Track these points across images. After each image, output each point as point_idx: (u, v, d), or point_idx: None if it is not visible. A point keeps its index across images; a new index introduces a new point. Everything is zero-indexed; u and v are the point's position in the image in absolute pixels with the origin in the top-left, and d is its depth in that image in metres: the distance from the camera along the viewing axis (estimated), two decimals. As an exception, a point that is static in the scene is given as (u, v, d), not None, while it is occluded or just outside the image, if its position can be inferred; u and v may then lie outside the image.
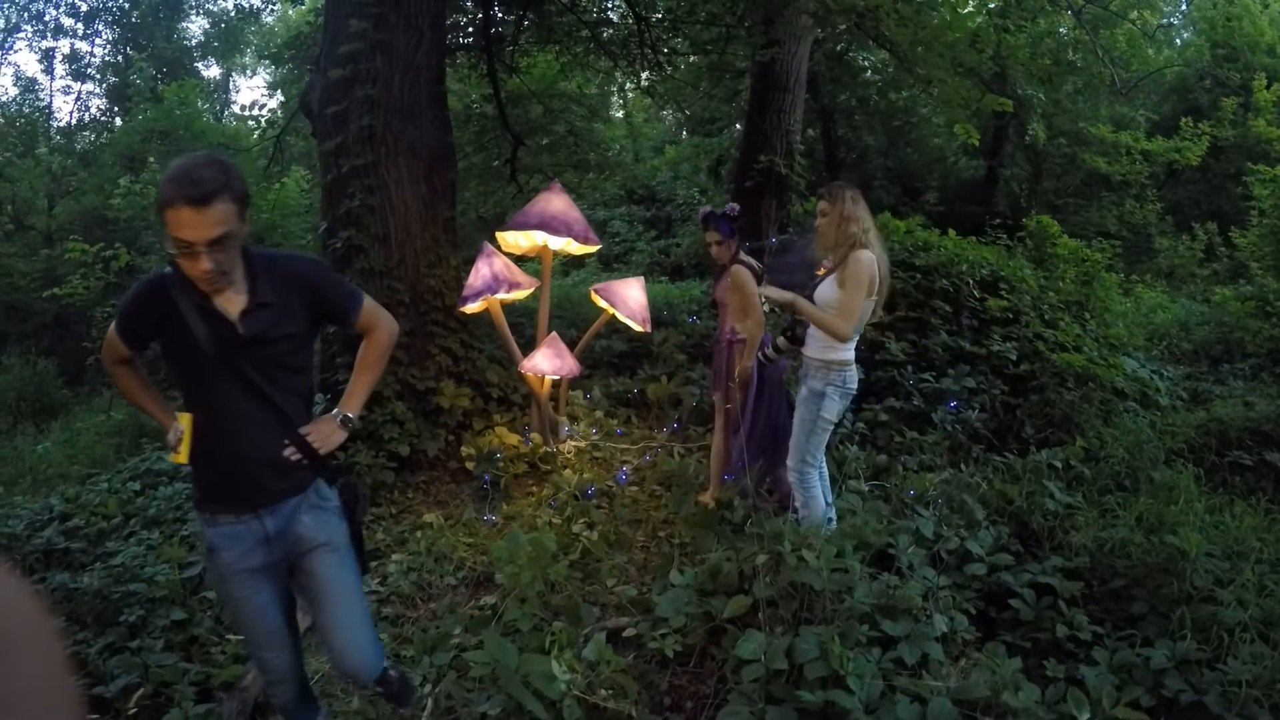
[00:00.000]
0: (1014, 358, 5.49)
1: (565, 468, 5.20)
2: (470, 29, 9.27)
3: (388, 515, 4.89)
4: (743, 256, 4.22)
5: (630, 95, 21.74)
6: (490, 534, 4.53)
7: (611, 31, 8.49)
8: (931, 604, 2.65)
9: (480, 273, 5.13)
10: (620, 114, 22.95)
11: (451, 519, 4.77)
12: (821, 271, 3.51)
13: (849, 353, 3.39)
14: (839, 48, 13.28)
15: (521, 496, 4.96)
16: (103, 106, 15.65)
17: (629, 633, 3.03)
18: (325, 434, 2.16)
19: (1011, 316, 5.90)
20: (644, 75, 9.35)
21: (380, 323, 2.29)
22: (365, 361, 2.31)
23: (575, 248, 5.43)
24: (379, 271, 5.43)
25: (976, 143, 9.38)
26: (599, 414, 6.09)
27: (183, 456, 2.07)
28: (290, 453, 2.10)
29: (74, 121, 15.00)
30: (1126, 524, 3.02)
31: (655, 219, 17.03)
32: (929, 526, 3.11)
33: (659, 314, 7.47)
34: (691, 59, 9.78)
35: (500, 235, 5.50)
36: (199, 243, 1.88)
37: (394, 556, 4.31)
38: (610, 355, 7.21)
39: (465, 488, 5.20)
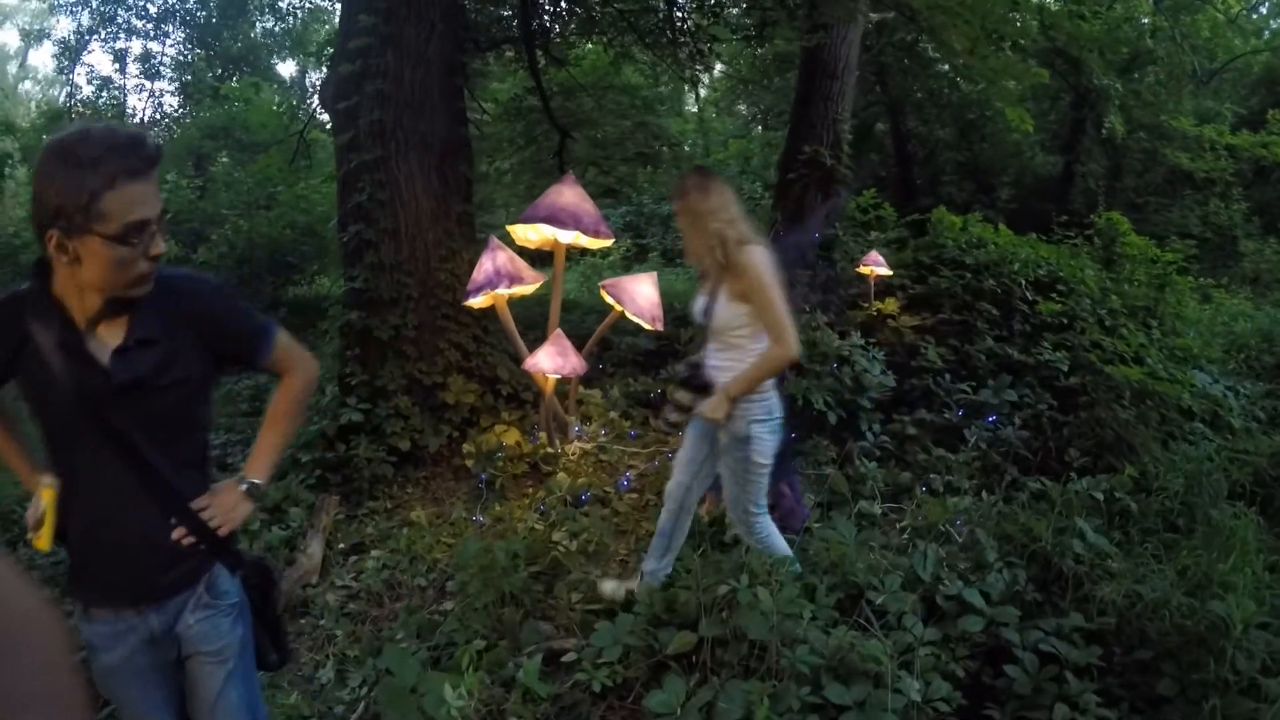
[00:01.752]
0: (1065, 369, 4.94)
1: (565, 470, 4.93)
2: (514, 21, 9.09)
3: (381, 510, 4.75)
4: None
5: (703, 89, 21.46)
6: (475, 535, 4.32)
7: (647, 20, 8.14)
8: (914, 662, 2.26)
9: (483, 267, 4.92)
10: (693, 108, 22.66)
11: (441, 517, 4.60)
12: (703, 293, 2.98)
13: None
14: (910, 38, 12.65)
15: (517, 498, 4.74)
16: (174, 104, 16.22)
17: (569, 658, 2.73)
18: (227, 508, 1.73)
19: (1065, 322, 5.34)
20: (686, 64, 8.97)
21: (297, 363, 1.86)
22: (278, 412, 1.86)
23: (585, 241, 5.17)
24: (389, 265, 5.34)
25: (1030, 129, 8.69)
26: (613, 414, 5.80)
27: (44, 542, 1.62)
28: (180, 535, 1.66)
29: (146, 119, 15.54)
30: (1167, 578, 2.52)
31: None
32: (927, 565, 2.68)
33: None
34: (736, 46, 9.37)
35: (511, 229, 5.28)
36: (155, 219, 1.52)
37: (373, 552, 4.21)
38: (635, 353, 6.91)
39: (464, 486, 5.02)
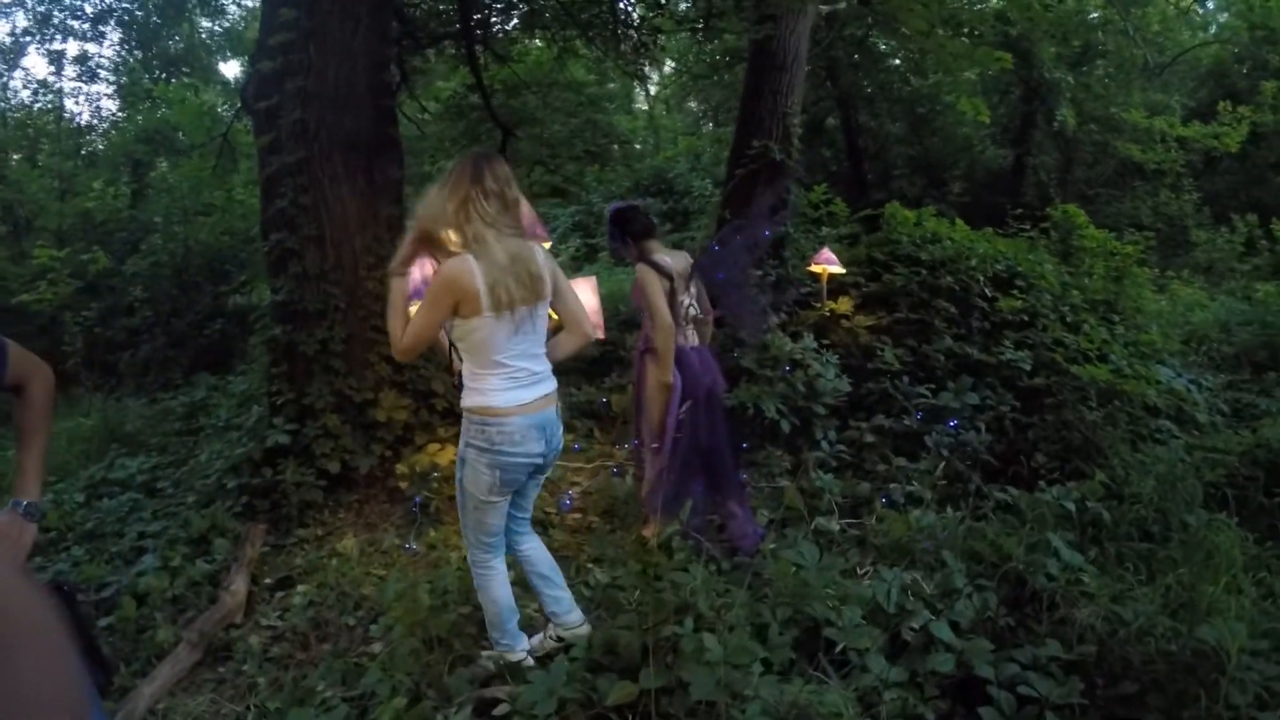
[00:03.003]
0: (1028, 368, 4.77)
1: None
2: (453, 17, 8.75)
3: (311, 539, 4.42)
4: (653, 256, 3.59)
5: (653, 86, 21.25)
6: (409, 564, 4.01)
7: (590, 12, 7.86)
8: (879, 707, 2.01)
9: (411, 277, 4.59)
10: (643, 105, 22.45)
11: (374, 545, 4.28)
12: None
13: (491, 395, 2.50)
14: (860, 33, 12.57)
15: (452, 522, 4.41)
16: (112, 108, 15.64)
17: (501, 709, 2.43)
18: (14, 537, 1.69)
19: (1027, 319, 5.18)
20: (631, 58, 8.70)
21: (36, 372, 1.82)
22: (31, 425, 1.81)
23: (522, 244, 4.86)
24: (314, 275, 4.97)
25: (986, 119, 8.61)
26: (557, 428, 5.50)
27: None
28: None
29: (83, 123, 14.98)
30: (1149, 599, 2.31)
31: (672, 212, 16.45)
32: (890, 595, 2.44)
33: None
34: (685, 42, 9.15)
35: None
36: None
37: (299, 588, 3.89)
38: (579, 361, 6.60)
39: (399, 509, 4.70)
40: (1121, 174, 14.37)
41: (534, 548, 2.94)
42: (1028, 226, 7.07)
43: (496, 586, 2.75)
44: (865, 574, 2.89)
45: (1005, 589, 2.65)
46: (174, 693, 3.18)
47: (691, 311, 3.61)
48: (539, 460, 2.61)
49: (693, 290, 3.64)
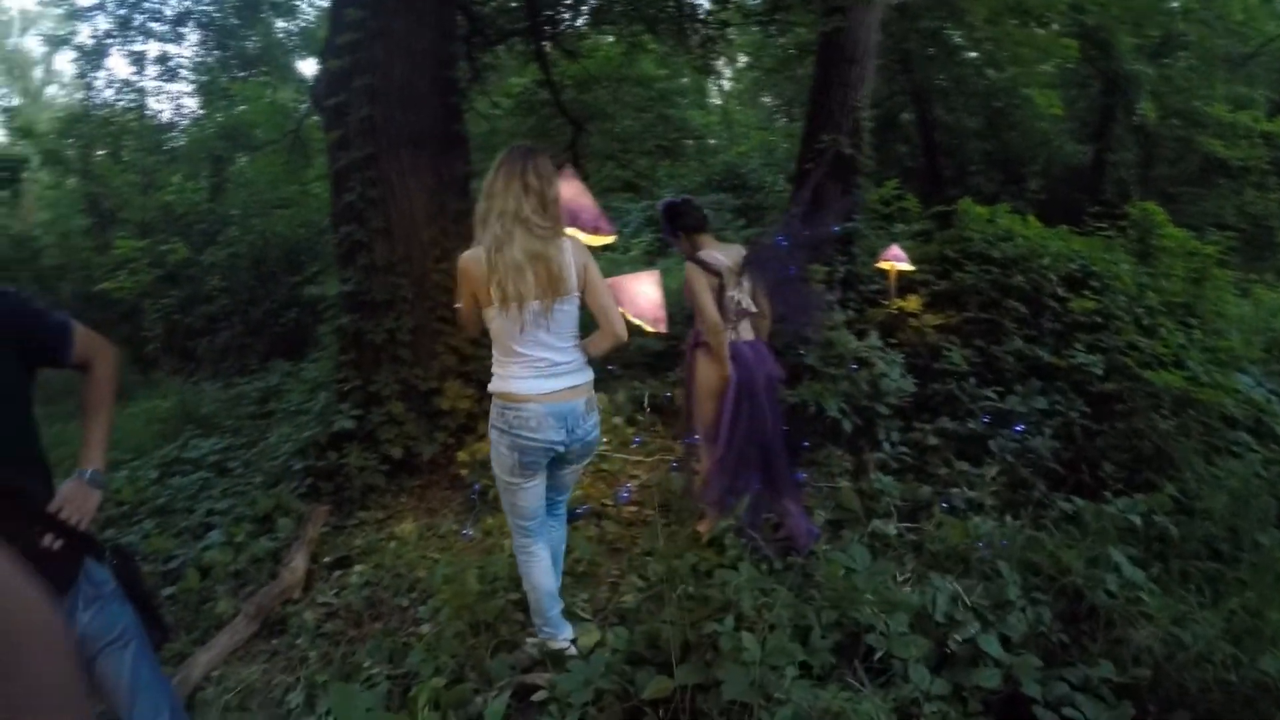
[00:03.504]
0: (1100, 372, 4.57)
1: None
2: (521, 13, 8.86)
3: (372, 521, 4.55)
4: (702, 252, 3.60)
5: (726, 81, 21.04)
6: (464, 549, 4.10)
7: (656, 6, 7.83)
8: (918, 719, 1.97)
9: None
10: (716, 100, 22.25)
11: (432, 530, 4.39)
12: None
13: (511, 382, 2.60)
14: (935, 25, 12.21)
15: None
16: (193, 105, 16.42)
17: (539, 696, 2.48)
18: (79, 504, 1.80)
19: (1100, 321, 4.96)
20: (698, 52, 8.64)
21: (101, 351, 1.93)
22: (96, 400, 1.93)
23: (583, 237, 4.90)
24: (382, 267, 5.13)
25: (1059, 112, 8.24)
26: (617, 420, 5.55)
27: None
28: (50, 541, 1.74)
29: (164, 121, 15.75)
30: (1211, 623, 2.20)
31: (745, 207, 16.30)
32: (941, 603, 2.39)
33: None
34: (759, 36, 9.02)
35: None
36: None
37: (357, 567, 4.01)
38: (645, 355, 6.64)
39: (459, 496, 4.80)
40: (1204, 171, 13.56)
41: (552, 533, 3.03)
42: (1105, 225, 6.76)
43: (537, 573, 2.82)
44: (908, 580, 2.82)
45: (1062, 603, 2.56)
46: (229, 661, 3.33)
47: (743, 306, 3.59)
48: (559, 448, 2.66)
49: (745, 285, 3.62)
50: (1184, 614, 2.29)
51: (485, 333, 3.17)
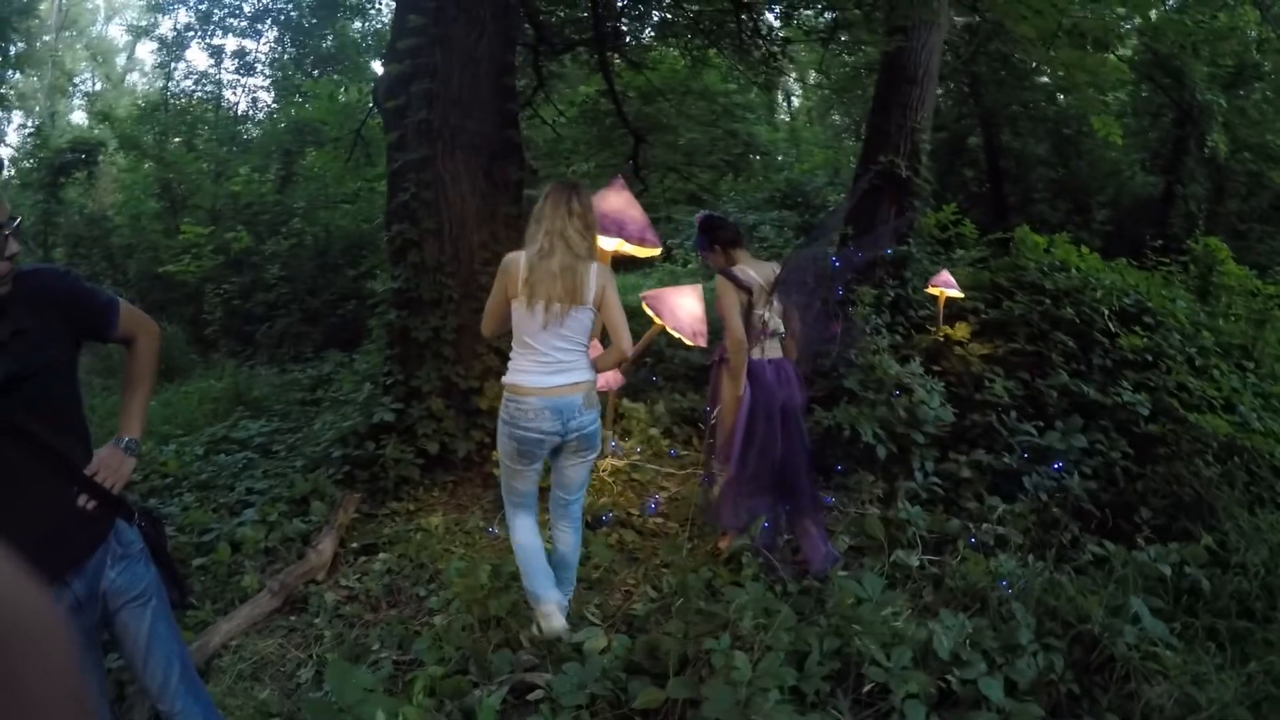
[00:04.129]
0: (1146, 413, 4.42)
1: (592, 487, 4.73)
2: (587, 24, 8.99)
3: (402, 512, 4.66)
4: (735, 268, 3.63)
5: (795, 98, 20.95)
6: (486, 546, 4.18)
7: (718, 21, 7.86)
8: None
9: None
10: (785, 116, 22.19)
11: (459, 525, 4.47)
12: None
13: (518, 375, 2.91)
14: (1004, 49, 11.96)
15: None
16: (268, 100, 17.12)
17: (535, 695, 2.52)
18: (114, 467, 1.90)
19: (1150, 359, 4.80)
20: (760, 68, 8.64)
21: (143, 327, 2.04)
22: (137, 374, 2.05)
23: (630, 249, 4.94)
24: (430, 266, 5.25)
25: (1119, 139, 7.98)
26: (654, 431, 5.57)
27: None
28: (85, 501, 1.84)
29: (240, 114, 16.44)
30: (1228, 685, 2.11)
31: (807, 225, 16.21)
32: (947, 641, 2.34)
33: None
34: (829, 54, 8.97)
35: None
36: (3, 224, 1.66)
37: (382, 555, 4.12)
38: (688, 368, 6.67)
39: (490, 494, 4.88)
40: (1276, 208, 13.04)
41: (563, 538, 3.23)
42: (1167, 260, 6.52)
43: (520, 533, 3.12)
44: (918, 614, 2.78)
45: (1077, 651, 2.49)
46: (248, 633, 3.45)
47: (771, 325, 3.58)
48: (556, 438, 2.92)
49: (775, 304, 3.61)
50: (1203, 674, 2.21)
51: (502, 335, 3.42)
